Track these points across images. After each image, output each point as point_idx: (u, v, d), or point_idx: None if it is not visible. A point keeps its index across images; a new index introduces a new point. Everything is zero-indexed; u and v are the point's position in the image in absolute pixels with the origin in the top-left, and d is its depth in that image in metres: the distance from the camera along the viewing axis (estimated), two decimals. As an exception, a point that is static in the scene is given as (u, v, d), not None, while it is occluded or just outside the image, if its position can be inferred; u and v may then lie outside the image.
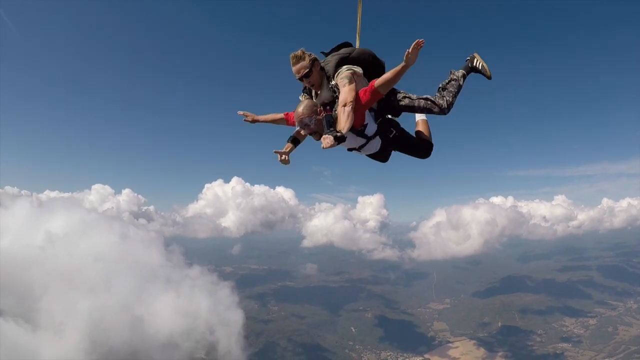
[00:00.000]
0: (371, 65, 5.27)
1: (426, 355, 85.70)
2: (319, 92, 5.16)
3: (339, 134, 4.33)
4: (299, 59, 4.90)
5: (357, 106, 4.71)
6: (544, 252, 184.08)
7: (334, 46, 5.46)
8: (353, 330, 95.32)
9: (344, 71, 4.90)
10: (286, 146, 5.41)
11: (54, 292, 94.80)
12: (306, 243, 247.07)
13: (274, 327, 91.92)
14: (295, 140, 5.49)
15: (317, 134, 4.79)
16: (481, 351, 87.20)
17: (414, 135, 5.80)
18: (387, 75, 4.59)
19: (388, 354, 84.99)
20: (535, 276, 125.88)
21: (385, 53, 5.63)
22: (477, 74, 5.83)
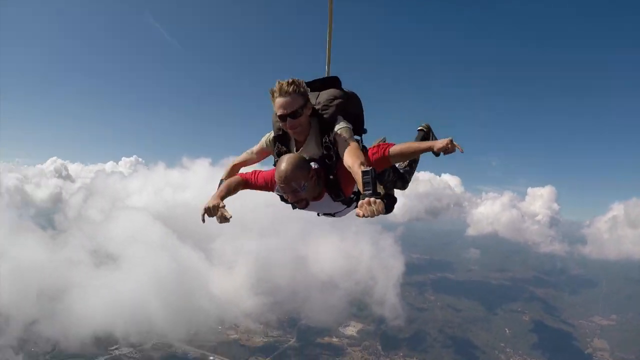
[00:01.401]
0: (360, 114, 4.19)
1: (578, 375, 78.90)
2: (301, 142, 3.84)
3: (385, 201, 3.30)
4: (289, 91, 3.48)
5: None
6: None
7: (317, 78, 4.11)
8: (507, 331, 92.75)
9: (344, 124, 3.70)
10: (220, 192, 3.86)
11: (227, 235, 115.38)
12: (470, 231, 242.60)
13: (427, 316, 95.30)
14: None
15: (305, 202, 3.64)
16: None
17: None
18: (405, 147, 3.69)
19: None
20: None
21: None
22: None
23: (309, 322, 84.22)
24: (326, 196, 3.82)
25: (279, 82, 3.51)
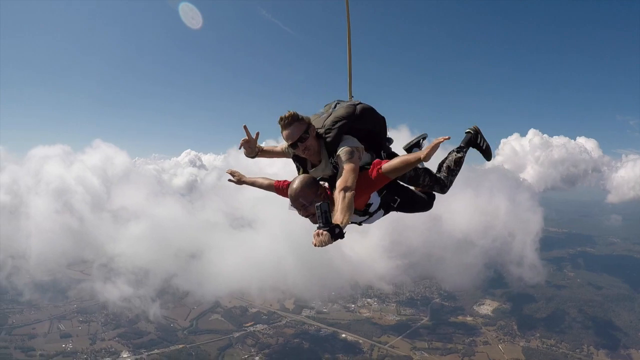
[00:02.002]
0: (377, 128, 4.50)
1: None
2: (316, 163, 4.29)
3: (337, 231, 3.21)
4: (292, 120, 3.91)
5: (362, 190, 3.92)
6: None
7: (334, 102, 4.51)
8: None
9: (343, 146, 3.99)
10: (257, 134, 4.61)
11: None
12: (611, 198, 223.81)
13: (566, 294, 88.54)
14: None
15: (314, 216, 3.72)
16: None
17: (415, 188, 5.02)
18: (397, 163, 3.83)
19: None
20: None
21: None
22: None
23: (443, 301, 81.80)
24: None
25: (280, 118, 3.97)
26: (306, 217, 3.89)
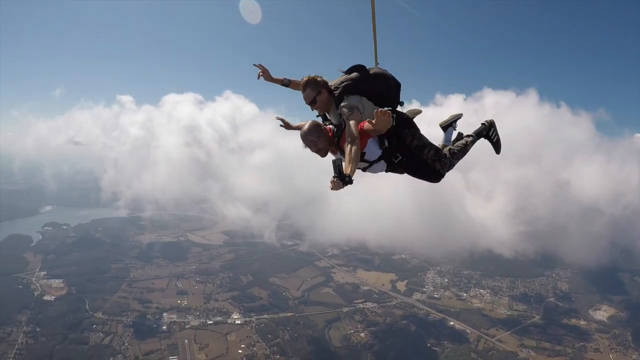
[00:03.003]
0: (386, 91, 5.39)
1: None
2: (329, 112, 5.44)
3: (347, 179, 4.25)
4: (305, 86, 5.22)
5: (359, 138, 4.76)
6: None
7: (350, 66, 5.42)
8: None
9: (346, 102, 5.08)
10: (278, 79, 5.89)
11: (483, 164, 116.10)
12: None
13: None
14: (287, 83, 5.86)
15: (323, 151, 5.11)
16: None
17: (425, 157, 5.43)
18: (371, 125, 4.76)
19: None
20: None
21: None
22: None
23: (557, 300, 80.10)
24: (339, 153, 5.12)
25: (300, 81, 5.39)
26: (316, 152, 5.11)
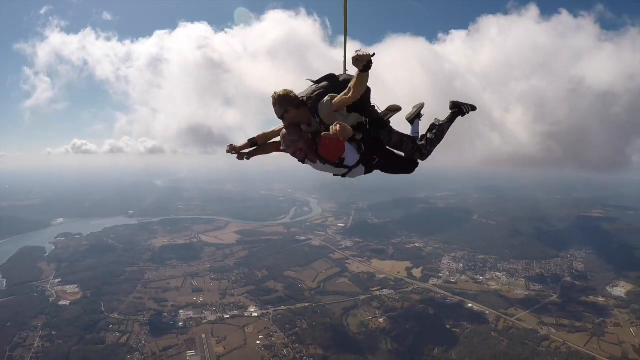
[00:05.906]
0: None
1: None
2: (308, 122, 5.44)
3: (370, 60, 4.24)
4: (275, 103, 5.23)
5: (333, 142, 4.95)
6: None
7: (320, 77, 5.55)
8: None
9: (325, 102, 5.17)
10: (244, 144, 5.89)
11: (494, 84, 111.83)
12: None
13: None
14: (255, 144, 5.92)
15: (302, 152, 5.21)
16: None
17: (398, 152, 5.85)
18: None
19: None
20: None
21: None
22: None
23: (574, 279, 79.92)
24: (328, 165, 5.30)
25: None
26: (295, 154, 5.24)
